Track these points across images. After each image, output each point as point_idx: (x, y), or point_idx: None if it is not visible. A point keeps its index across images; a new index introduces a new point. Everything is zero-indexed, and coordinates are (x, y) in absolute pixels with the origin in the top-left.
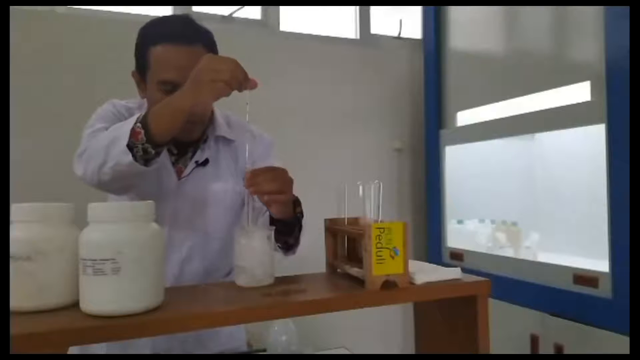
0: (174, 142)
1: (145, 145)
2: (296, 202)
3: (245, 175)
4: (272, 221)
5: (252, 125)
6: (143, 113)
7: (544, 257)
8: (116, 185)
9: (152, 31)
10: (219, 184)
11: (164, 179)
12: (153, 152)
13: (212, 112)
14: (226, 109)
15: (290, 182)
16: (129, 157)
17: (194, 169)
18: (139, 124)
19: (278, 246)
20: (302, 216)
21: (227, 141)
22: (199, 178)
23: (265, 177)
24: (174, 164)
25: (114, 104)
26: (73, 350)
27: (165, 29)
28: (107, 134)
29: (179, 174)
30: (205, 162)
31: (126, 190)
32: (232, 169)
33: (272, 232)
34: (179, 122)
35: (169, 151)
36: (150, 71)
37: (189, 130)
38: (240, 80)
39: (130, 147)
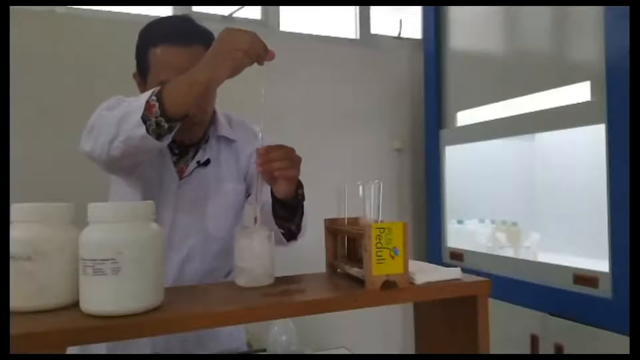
0: (175, 142)
1: (158, 119)
2: (298, 184)
3: (258, 152)
4: (274, 206)
5: (254, 125)
6: (158, 87)
7: (544, 257)
8: (126, 162)
9: (152, 32)
10: (220, 184)
11: (165, 178)
12: (166, 126)
13: (214, 112)
14: (227, 109)
15: (299, 160)
16: (142, 130)
17: (195, 168)
18: (153, 97)
19: (281, 232)
20: (303, 199)
21: (229, 141)
22: (200, 178)
23: (278, 153)
24: (175, 163)
25: (120, 98)
26: (73, 350)
27: (165, 30)
28: (119, 108)
29: (180, 173)
30: (207, 162)
31: (134, 169)
32: (234, 169)
33: (272, 233)
34: (194, 96)
35: (171, 151)
36: (150, 72)
37: (190, 131)
38: (259, 52)
39: (143, 120)
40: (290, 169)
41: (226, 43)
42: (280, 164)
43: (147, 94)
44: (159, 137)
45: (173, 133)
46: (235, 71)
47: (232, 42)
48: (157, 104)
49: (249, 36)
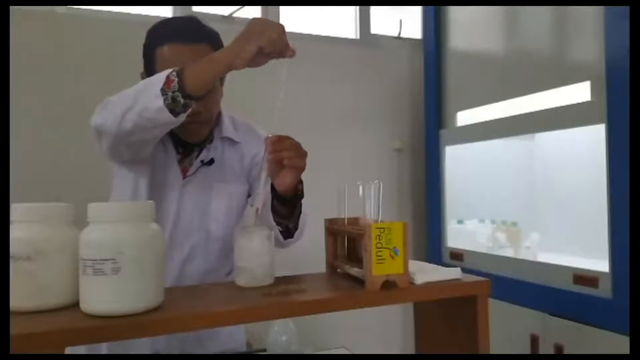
0: (180, 140)
1: (175, 94)
2: (299, 180)
3: (269, 140)
4: (274, 202)
5: (258, 128)
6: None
7: (544, 257)
8: (134, 137)
9: (159, 32)
10: (223, 184)
11: (169, 176)
12: (182, 102)
13: (219, 114)
14: (229, 110)
15: (305, 153)
16: (159, 102)
17: (199, 168)
18: (174, 73)
19: (279, 230)
20: (303, 195)
21: (233, 142)
22: (204, 177)
23: (289, 142)
24: (179, 162)
25: None
26: (80, 350)
27: (172, 28)
28: (138, 84)
29: (183, 172)
30: (211, 162)
31: (140, 148)
32: (237, 169)
33: (272, 233)
34: (215, 76)
35: (175, 149)
36: (157, 71)
37: (196, 130)
38: (285, 43)
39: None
40: (299, 159)
41: (256, 26)
42: (290, 153)
43: (169, 70)
44: (172, 112)
45: (187, 112)
46: (257, 59)
47: (262, 27)
48: (176, 79)
49: (280, 27)
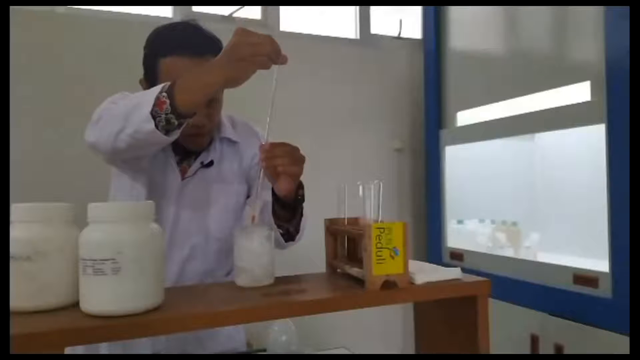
0: (179, 145)
1: (169, 116)
2: (299, 184)
3: (262, 148)
4: (274, 206)
5: (257, 127)
6: (169, 83)
7: (544, 257)
8: (130, 154)
9: (161, 42)
10: (222, 185)
11: (168, 177)
12: (176, 122)
13: None
14: (229, 110)
15: (303, 158)
16: (150, 125)
17: (198, 169)
18: (164, 94)
19: (280, 233)
20: (303, 200)
21: (232, 143)
22: (203, 178)
23: (282, 149)
24: (178, 163)
25: (125, 93)
26: (78, 350)
27: (175, 39)
28: (128, 100)
29: (183, 173)
30: (210, 164)
31: (135, 163)
32: (236, 170)
33: (272, 232)
34: (208, 96)
35: (174, 151)
36: (159, 81)
37: (200, 141)
38: (279, 52)
39: (152, 115)
40: (294, 166)
41: (248, 48)
42: (283, 160)
43: (157, 88)
44: (167, 132)
45: (182, 129)
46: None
47: (254, 47)
48: (167, 101)
49: (269, 39)
